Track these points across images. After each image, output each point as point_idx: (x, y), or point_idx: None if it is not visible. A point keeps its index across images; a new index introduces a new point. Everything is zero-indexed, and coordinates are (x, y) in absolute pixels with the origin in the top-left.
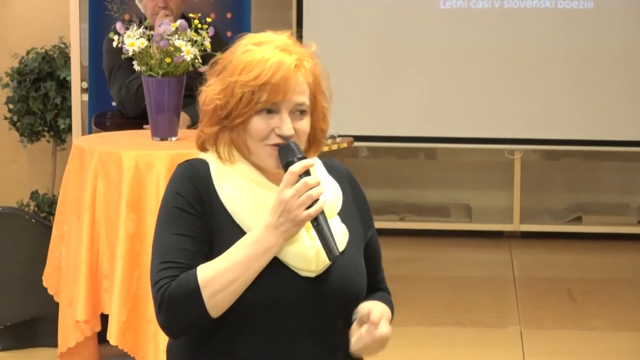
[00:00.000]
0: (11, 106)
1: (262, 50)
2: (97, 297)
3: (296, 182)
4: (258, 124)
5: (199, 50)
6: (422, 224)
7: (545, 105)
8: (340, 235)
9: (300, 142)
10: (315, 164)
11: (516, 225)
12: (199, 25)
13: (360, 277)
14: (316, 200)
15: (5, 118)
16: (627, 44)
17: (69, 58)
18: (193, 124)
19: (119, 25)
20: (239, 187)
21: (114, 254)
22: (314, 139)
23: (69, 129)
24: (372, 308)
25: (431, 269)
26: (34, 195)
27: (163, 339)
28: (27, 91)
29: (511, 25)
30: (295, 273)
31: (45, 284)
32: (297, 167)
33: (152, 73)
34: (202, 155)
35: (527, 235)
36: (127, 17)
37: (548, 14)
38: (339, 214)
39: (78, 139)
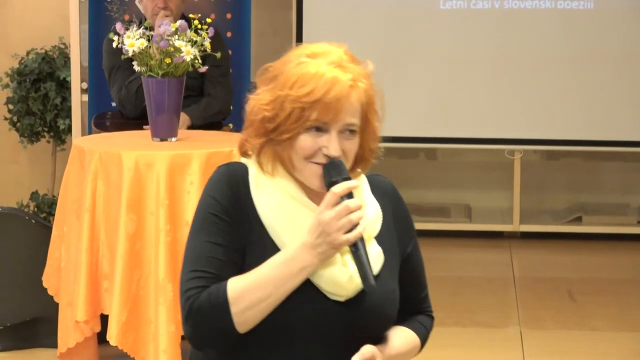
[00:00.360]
0: (11, 107)
1: (316, 64)
2: (97, 298)
3: (337, 204)
4: (305, 141)
5: (199, 51)
6: (422, 224)
7: (545, 105)
8: (375, 259)
9: (347, 162)
10: (360, 183)
11: (516, 226)
12: (199, 26)
13: (391, 304)
14: (356, 225)
15: (5, 118)
16: (627, 44)
17: (69, 58)
18: (193, 125)
19: (118, 26)
20: (277, 201)
21: (114, 255)
22: (362, 158)
23: (69, 130)
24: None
25: (431, 269)
26: (34, 195)
27: (163, 340)
28: (27, 92)
29: (511, 25)
30: (325, 296)
31: (45, 284)
32: (339, 188)
33: (152, 73)
34: (243, 160)
35: (527, 236)
36: (127, 17)
37: (548, 14)
38: (376, 237)
39: (78, 139)
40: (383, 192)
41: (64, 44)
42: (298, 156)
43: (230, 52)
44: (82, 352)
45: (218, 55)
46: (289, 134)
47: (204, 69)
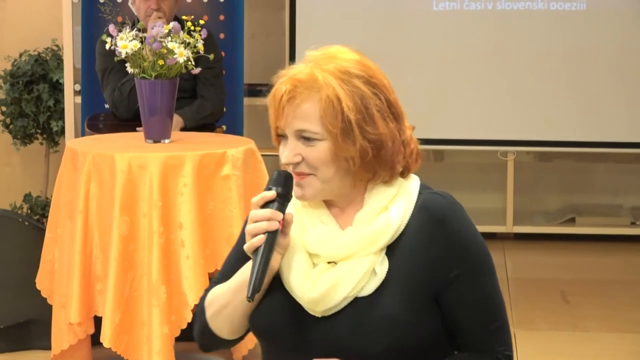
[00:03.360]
0: (4, 108)
1: (291, 68)
2: (91, 300)
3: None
4: (280, 148)
5: (192, 53)
6: None
7: (538, 106)
8: (362, 277)
9: (318, 170)
10: (394, 191)
11: (509, 227)
12: (192, 28)
13: (386, 329)
14: (274, 233)
15: None
16: (620, 45)
17: (61, 60)
18: (186, 126)
19: (111, 28)
20: (295, 209)
21: (107, 256)
22: (344, 169)
23: (62, 131)
24: None
25: None
26: (27, 197)
27: (156, 341)
28: (20, 93)
29: (504, 26)
30: (305, 311)
31: (38, 286)
32: (256, 198)
33: (145, 75)
34: None
35: (521, 237)
36: (119, 19)
37: (541, 15)
38: (389, 253)
39: (71, 141)
40: (431, 213)
41: (56, 45)
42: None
43: (223, 53)
44: (76, 354)
45: (211, 56)
46: (274, 139)
47: (197, 70)
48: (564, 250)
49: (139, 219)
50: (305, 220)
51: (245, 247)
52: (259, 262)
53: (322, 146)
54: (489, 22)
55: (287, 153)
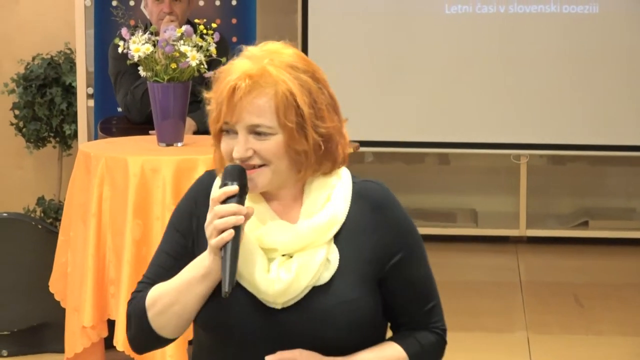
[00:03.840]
0: (17, 112)
1: (235, 64)
2: (104, 303)
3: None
4: (224, 144)
5: (205, 56)
6: (428, 229)
7: (550, 110)
8: (319, 266)
9: (272, 163)
10: (334, 184)
11: (522, 230)
12: (205, 31)
13: (345, 312)
14: (237, 228)
15: (11, 124)
16: (632, 48)
17: (74, 64)
18: (199, 130)
19: (124, 31)
20: None
21: (121, 260)
22: (296, 162)
23: (74, 135)
24: None
25: (437, 274)
26: (40, 201)
27: (169, 345)
28: (32, 97)
29: (516, 29)
30: (261, 302)
31: (51, 289)
32: (216, 193)
33: (157, 79)
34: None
35: (534, 240)
36: (132, 22)
37: (553, 18)
38: (337, 242)
39: (84, 144)
40: (368, 200)
41: (69, 49)
42: (225, 159)
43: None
44: (89, 357)
45: (223, 60)
46: (214, 138)
47: (209, 74)
48: (577, 253)
49: (152, 223)
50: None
51: (215, 242)
52: (231, 256)
53: (275, 140)
54: (501, 25)
55: (239, 148)
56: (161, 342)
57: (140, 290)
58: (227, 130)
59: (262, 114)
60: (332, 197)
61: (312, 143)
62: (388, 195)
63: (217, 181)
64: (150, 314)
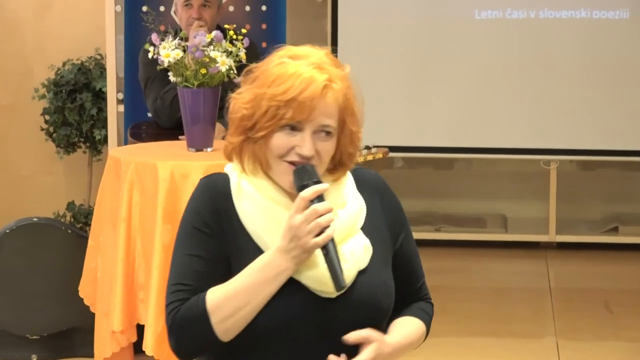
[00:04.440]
0: (47, 117)
1: (295, 65)
2: (133, 308)
3: (307, 208)
4: (279, 139)
5: (234, 61)
6: (457, 234)
7: (580, 115)
8: (362, 252)
9: (322, 164)
10: (343, 181)
11: (552, 236)
12: (234, 37)
13: (385, 294)
14: (326, 228)
15: (42, 129)
16: None
17: (104, 69)
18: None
19: (154, 37)
20: (258, 206)
21: (150, 265)
22: (340, 162)
23: (104, 140)
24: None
25: (467, 279)
26: (70, 206)
27: None
28: (63, 102)
29: (546, 35)
30: (315, 294)
31: (81, 294)
32: (308, 192)
33: (187, 84)
34: (226, 168)
35: (563, 246)
36: (162, 28)
37: (584, 23)
38: (362, 228)
39: (114, 149)
40: (368, 185)
41: (99, 54)
42: (272, 154)
43: None
44: None
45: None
46: (264, 131)
47: (239, 79)
48: (607, 259)
49: None
50: (283, 212)
51: (322, 240)
52: (335, 252)
53: (332, 141)
54: (532, 30)
55: (309, 146)
56: (216, 346)
57: (184, 299)
58: (291, 126)
59: (331, 115)
60: (346, 188)
61: (356, 145)
62: (380, 178)
63: (237, 177)
64: (214, 319)
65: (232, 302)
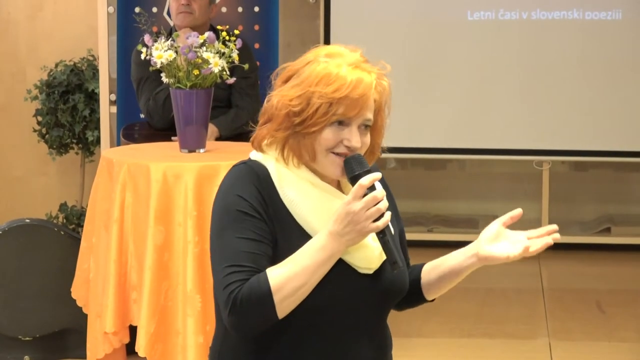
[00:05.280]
0: (40, 118)
1: (337, 64)
2: (126, 309)
3: (364, 195)
4: (329, 134)
5: (227, 62)
6: (450, 235)
7: (573, 116)
8: (390, 228)
9: (362, 154)
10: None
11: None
12: (227, 38)
13: (405, 270)
14: (383, 213)
15: (34, 130)
16: None
17: (97, 70)
18: (221, 136)
19: (147, 38)
20: (301, 191)
21: (142, 266)
22: (370, 152)
23: (97, 141)
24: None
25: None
26: (63, 207)
27: (191, 351)
28: (55, 103)
29: (539, 36)
30: (355, 271)
31: (74, 295)
32: (366, 180)
33: (180, 85)
34: (255, 157)
35: (556, 247)
36: (155, 29)
37: (576, 24)
38: None
39: (106, 150)
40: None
41: (92, 55)
42: (321, 147)
43: (258, 63)
44: None
45: (246, 66)
46: (317, 127)
47: (231, 80)
48: (600, 260)
49: (174, 229)
50: (329, 198)
51: (382, 223)
52: (391, 235)
53: (369, 133)
54: (524, 32)
55: (357, 139)
56: (271, 324)
57: (244, 279)
58: (339, 121)
59: (371, 110)
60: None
61: (383, 136)
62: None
63: (275, 165)
64: (276, 298)
65: (292, 283)
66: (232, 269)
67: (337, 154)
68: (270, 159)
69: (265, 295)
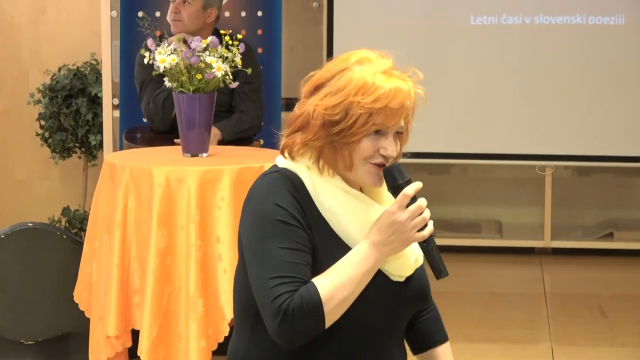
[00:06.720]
0: (43, 122)
1: (372, 73)
2: (128, 313)
3: (408, 205)
4: (367, 144)
5: (230, 67)
6: (453, 240)
7: (576, 121)
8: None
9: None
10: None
11: (547, 242)
12: (230, 42)
13: (426, 274)
14: (427, 223)
15: (37, 134)
16: None
17: (100, 74)
18: (224, 139)
19: (150, 42)
20: (337, 199)
21: (145, 270)
22: (396, 158)
23: (100, 145)
24: None
25: (462, 285)
26: (66, 211)
27: (193, 355)
28: (58, 107)
29: (542, 40)
30: (387, 278)
31: (76, 299)
32: (410, 189)
33: (183, 89)
34: (283, 164)
35: (559, 252)
36: (158, 33)
37: (579, 29)
38: None
39: (109, 154)
40: None
41: (95, 59)
42: (359, 157)
43: (261, 67)
44: None
45: (249, 71)
46: (356, 137)
47: (234, 84)
48: (603, 265)
49: (176, 233)
50: (364, 206)
51: (427, 232)
52: (434, 243)
53: (399, 140)
54: (527, 36)
55: (394, 147)
56: (316, 335)
57: (291, 290)
58: (377, 131)
59: (404, 118)
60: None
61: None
62: None
63: (308, 173)
64: (327, 309)
65: (341, 293)
66: (278, 280)
67: (374, 164)
68: (302, 167)
69: (317, 306)
